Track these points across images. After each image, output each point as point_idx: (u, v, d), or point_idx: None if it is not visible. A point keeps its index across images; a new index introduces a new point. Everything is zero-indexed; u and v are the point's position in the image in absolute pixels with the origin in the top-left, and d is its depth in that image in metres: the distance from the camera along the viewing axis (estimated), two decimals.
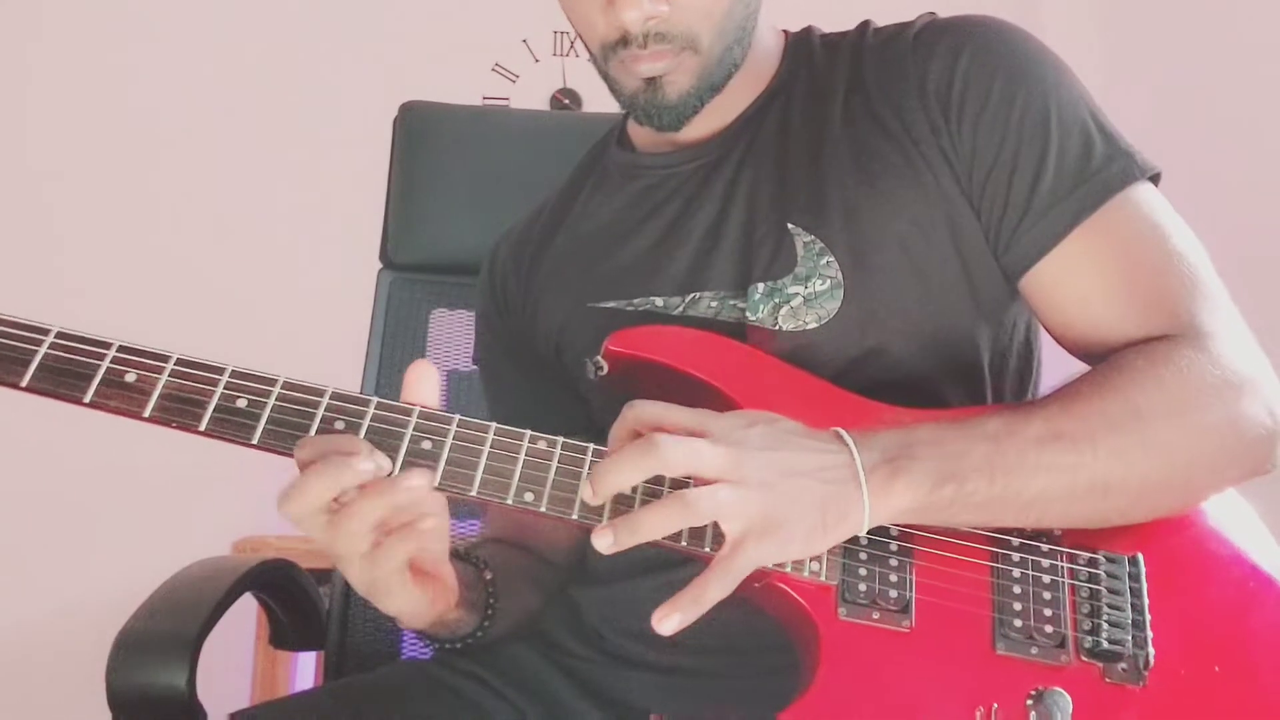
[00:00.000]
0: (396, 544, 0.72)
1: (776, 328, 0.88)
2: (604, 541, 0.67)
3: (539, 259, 1.06)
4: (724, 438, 0.69)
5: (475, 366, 1.35)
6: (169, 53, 2.62)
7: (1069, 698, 0.69)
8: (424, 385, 0.75)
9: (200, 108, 2.60)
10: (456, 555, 0.86)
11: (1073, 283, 0.85)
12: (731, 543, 0.68)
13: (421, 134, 1.45)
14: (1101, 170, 0.84)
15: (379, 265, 1.45)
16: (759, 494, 0.67)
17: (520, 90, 2.73)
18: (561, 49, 2.75)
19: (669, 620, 0.67)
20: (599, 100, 2.63)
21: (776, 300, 0.88)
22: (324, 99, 2.61)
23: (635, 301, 0.95)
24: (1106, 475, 0.74)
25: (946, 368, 0.89)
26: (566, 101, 2.72)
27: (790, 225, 0.90)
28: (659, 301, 0.94)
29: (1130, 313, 0.82)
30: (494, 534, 1.05)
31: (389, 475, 0.71)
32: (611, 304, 0.96)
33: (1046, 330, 0.90)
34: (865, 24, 0.98)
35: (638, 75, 0.90)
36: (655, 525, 0.67)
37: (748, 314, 0.89)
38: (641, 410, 0.71)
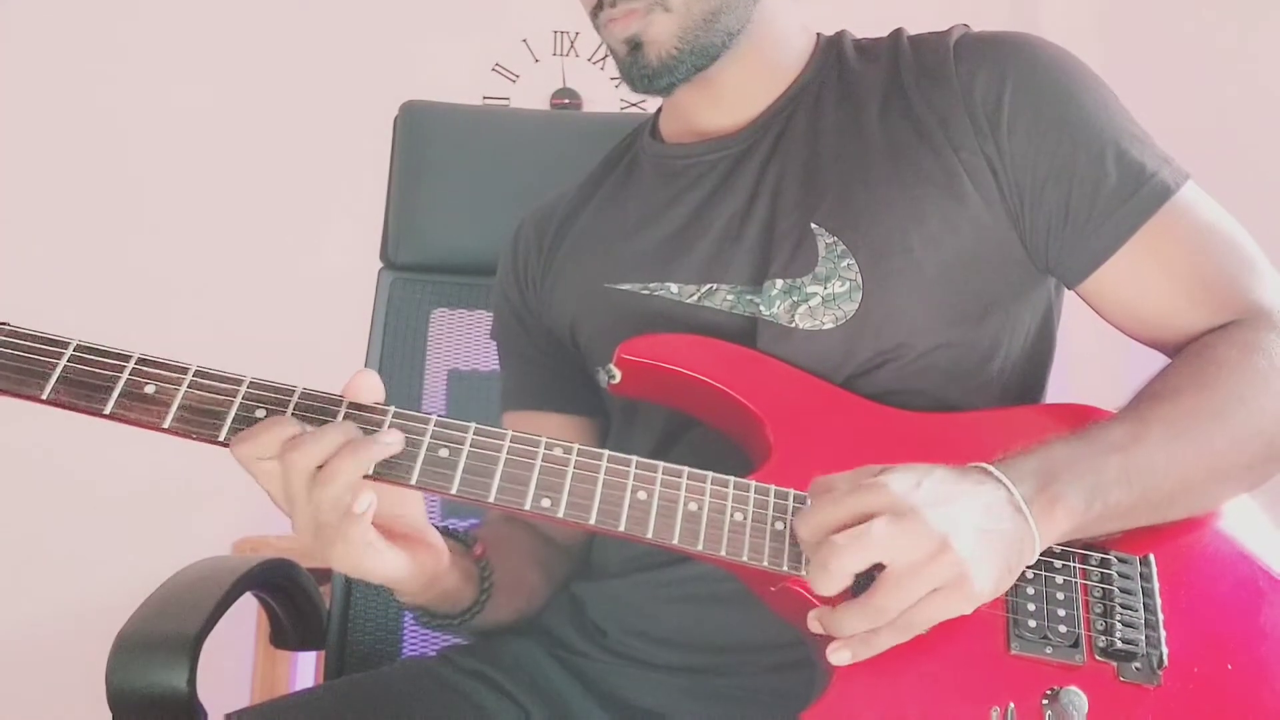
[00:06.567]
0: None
1: (793, 325, 0.89)
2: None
3: (561, 238, 1.07)
4: (897, 509, 0.69)
5: (475, 367, 1.36)
6: (170, 53, 2.62)
7: (1085, 696, 0.70)
8: (363, 395, 0.76)
9: (200, 107, 2.59)
10: (446, 533, 0.88)
11: (1142, 281, 0.87)
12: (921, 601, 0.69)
13: (422, 133, 1.45)
14: (1156, 174, 0.87)
15: (379, 265, 1.44)
16: (950, 557, 0.68)
17: (520, 90, 2.73)
18: (561, 49, 2.75)
19: (839, 654, 0.70)
20: (599, 100, 2.67)
21: (795, 299, 0.89)
22: (324, 99, 2.61)
23: (651, 286, 0.96)
24: (1223, 463, 0.79)
25: (958, 372, 0.90)
26: (566, 101, 2.72)
27: (814, 225, 0.90)
28: (674, 289, 0.95)
29: (1201, 304, 0.86)
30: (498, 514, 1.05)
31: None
32: (628, 286, 0.97)
33: (1114, 326, 0.92)
34: (898, 31, 0.99)
35: (618, 38, 0.93)
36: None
37: (762, 309, 0.90)
38: (807, 528, 0.71)
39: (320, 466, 0.71)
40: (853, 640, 0.69)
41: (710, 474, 0.76)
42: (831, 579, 0.68)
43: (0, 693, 2.29)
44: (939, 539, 0.68)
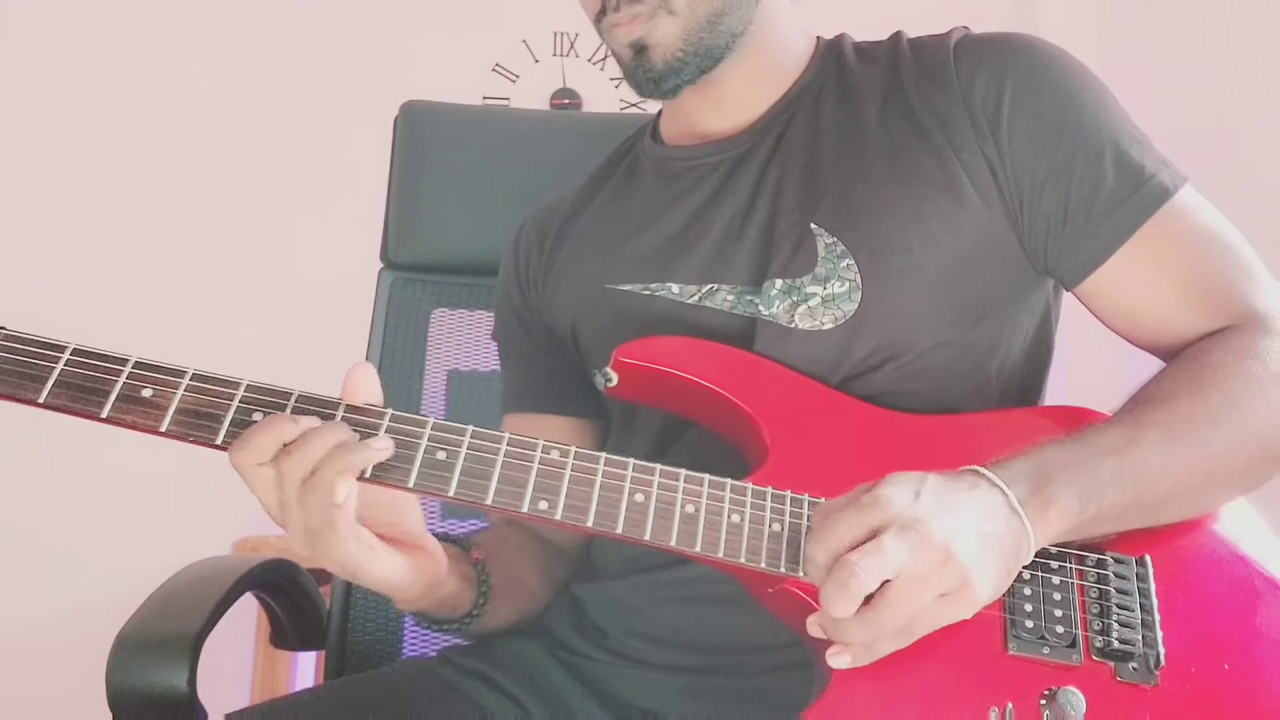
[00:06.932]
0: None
1: (792, 325, 0.89)
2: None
3: (562, 239, 1.08)
4: (899, 522, 0.69)
5: (475, 368, 1.36)
6: (169, 52, 2.62)
7: (1082, 696, 0.70)
8: (362, 387, 0.77)
9: (199, 108, 2.60)
10: (444, 539, 0.88)
11: (1139, 283, 0.87)
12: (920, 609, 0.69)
13: (422, 133, 1.45)
14: (1155, 176, 0.87)
15: (379, 265, 1.44)
16: (954, 566, 0.68)
17: (520, 90, 2.73)
18: (561, 49, 2.75)
19: (839, 658, 0.70)
20: (599, 100, 2.67)
21: (794, 299, 0.89)
22: (325, 99, 2.61)
23: (652, 286, 0.96)
24: (1219, 467, 0.79)
25: (956, 373, 0.90)
26: (566, 102, 2.72)
27: (814, 225, 0.91)
28: (675, 289, 0.95)
29: (1198, 308, 0.86)
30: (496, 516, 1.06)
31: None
32: (629, 287, 0.98)
33: (1111, 329, 0.91)
34: (898, 34, 0.99)
35: (623, 43, 0.93)
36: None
37: (761, 309, 0.90)
38: (822, 551, 0.70)
39: (313, 471, 0.71)
40: (854, 646, 0.70)
41: (707, 476, 0.76)
42: (851, 598, 0.68)
43: (0, 693, 2.29)
44: (943, 548, 0.68)
